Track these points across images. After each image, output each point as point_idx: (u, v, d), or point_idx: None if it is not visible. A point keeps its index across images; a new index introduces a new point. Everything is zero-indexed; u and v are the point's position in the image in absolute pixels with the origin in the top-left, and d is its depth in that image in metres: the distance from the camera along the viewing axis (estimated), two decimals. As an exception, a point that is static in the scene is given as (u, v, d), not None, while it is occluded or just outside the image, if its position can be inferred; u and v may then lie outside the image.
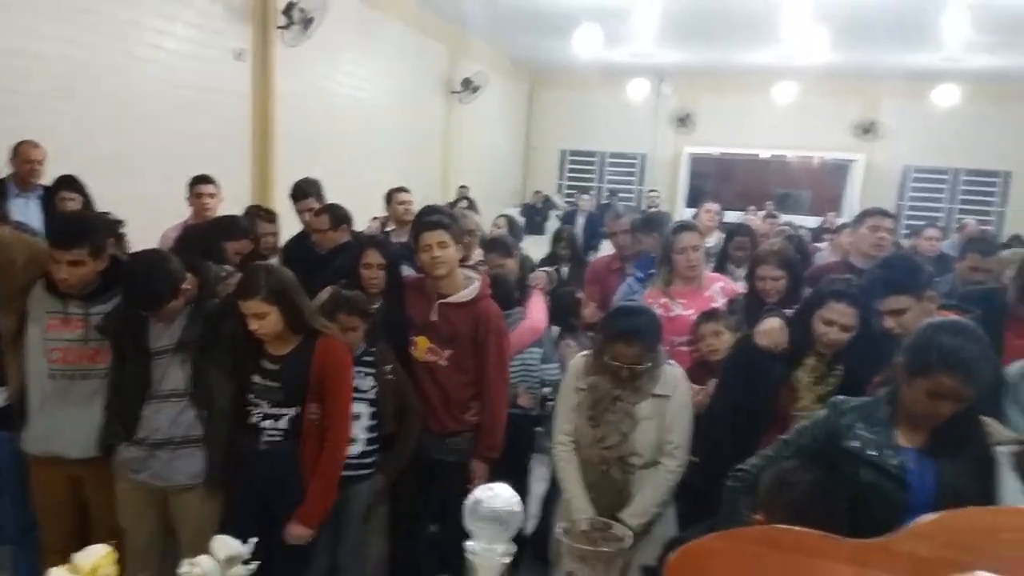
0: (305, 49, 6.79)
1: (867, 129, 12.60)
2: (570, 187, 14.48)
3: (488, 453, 2.84)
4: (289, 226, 4.37)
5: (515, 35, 10.69)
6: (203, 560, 1.02)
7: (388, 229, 4.81)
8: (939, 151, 12.33)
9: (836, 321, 2.34)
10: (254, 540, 1.10)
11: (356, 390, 2.64)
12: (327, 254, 3.78)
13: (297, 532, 2.35)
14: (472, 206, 8.31)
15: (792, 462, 1.89)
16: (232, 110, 6.33)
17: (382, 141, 8.71)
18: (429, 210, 3.54)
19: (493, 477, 3.01)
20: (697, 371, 3.05)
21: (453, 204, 8.43)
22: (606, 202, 12.55)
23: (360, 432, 2.67)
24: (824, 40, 7.91)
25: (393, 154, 8.84)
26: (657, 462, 2.43)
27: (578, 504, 2.42)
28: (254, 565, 1.07)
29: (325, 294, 2.82)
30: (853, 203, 12.53)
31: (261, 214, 4.05)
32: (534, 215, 12.53)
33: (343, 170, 7.61)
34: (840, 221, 9.53)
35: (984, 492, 1.72)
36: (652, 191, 11.87)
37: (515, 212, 12.07)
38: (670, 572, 0.82)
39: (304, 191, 4.29)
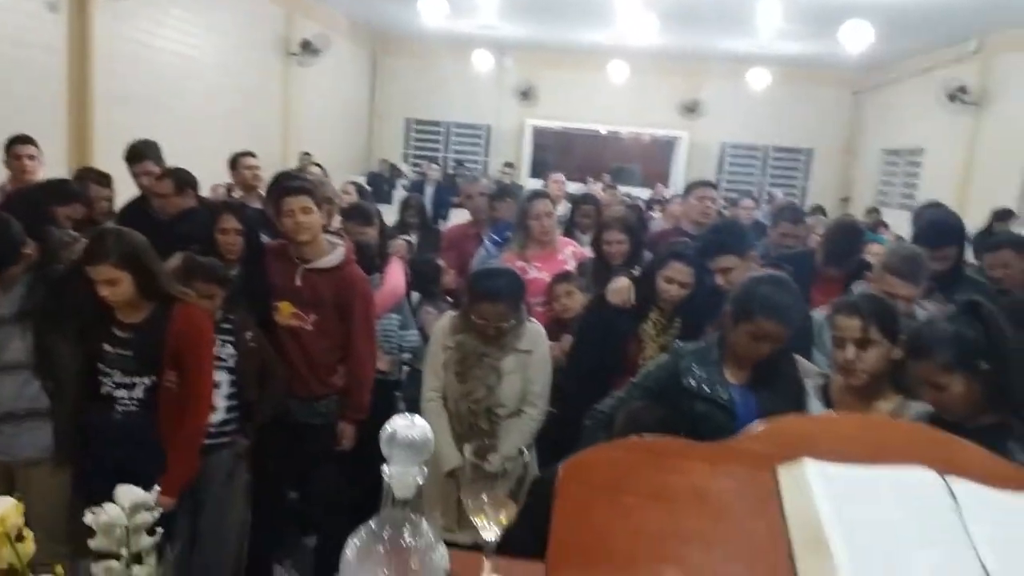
0: (128, 2, 6.27)
1: (691, 108, 13.56)
2: (416, 156, 14.40)
3: (355, 415, 2.89)
4: (121, 191, 4.09)
5: (357, -2, 10.44)
6: (109, 507, 1.03)
7: (235, 195, 4.62)
8: (752, 129, 13.53)
9: (676, 279, 2.61)
10: (158, 488, 1.12)
11: (216, 358, 2.59)
12: (170, 220, 3.59)
13: (159, 502, 2.29)
14: (324, 173, 8.05)
15: (641, 402, 2.12)
16: (44, 67, 5.73)
17: (217, 103, 8.22)
18: (287, 176, 3.48)
19: (364, 438, 3.07)
20: (552, 328, 3.26)
21: (299, 171, 8.15)
22: (453, 172, 12.65)
23: (220, 400, 2.63)
24: (653, 23, 8.41)
25: (229, 117, 8.38)
26: (521, 411, 2.60)
27: (448, 451, 2.54)
28: (158, 512, 1.09)
29: (176, 260, 2.72)
30: (679, 176, 13.49)
31: (93, 177, 3.76)
32: (381, 183, 12.33)
33: (174, 132, 7.06)
34: (669, 193, 10.28)
35: (797, 417, 2.04)
36: (507, 165, 12.08)
37: (362, 180, 11.87)
38: (565, 475, 0.96)
39: (141, 153, 4.02)
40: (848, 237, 3.26)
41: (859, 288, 2.78)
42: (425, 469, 0.99)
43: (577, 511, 0.94)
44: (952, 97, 9.46)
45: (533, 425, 2.60)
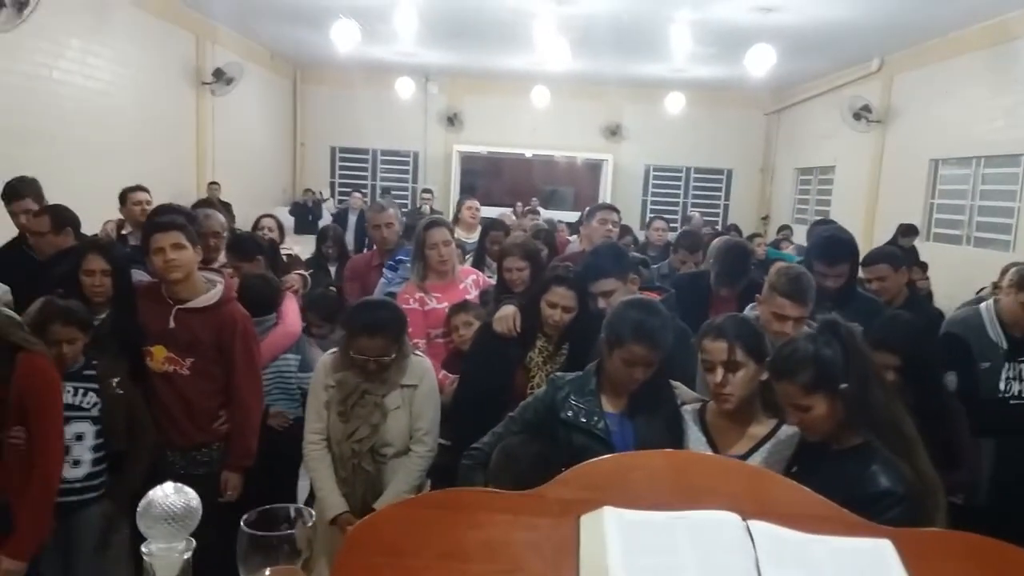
0: (20, 34, 5.99)
1: (613, 132, 13.83)
2: (343, 185, 14.22)
3: (240, 462, 2.75)
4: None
5: (270, 26, 10.26)
6: None
7: (125, 232, 4.42)
8: (673, 152, 13.87)
9: (559, 304, 2.57)
10: None
11: (77, 408, 2.44)
12: (48, 260, 3.39)
13: (6, 567, 2.12)
14: (217, 206, 7.71)
15: (517, 437, 2.06)
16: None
17: (123, 136, 7.93)
18: (162, 209, 3.32)
19: (257, 487, 2.91)
20: (453, 361, 3.19)
21: (200, 203, 7.87)
22: (379, 200, 12.51)
23: (85, 453, 2.47)
24: (566, 50, 8.53)
25: (137, 150, 8.08)
26: (408, 450, 2.51)
27: (331, 500, 2.43)
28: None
29: (38, 304, 2.55)
30: (607, 198, 13.67)
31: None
32: (305, 214, 12.14)
33: (76, 167, 6.83)
34: (594, 215, 10.37)
35: (674, 445, 2.00)
36: (425, 191, 12.01)
37: (284, 211, 11.62)
38: (349, 540, 0.88)
39: (18, 191, 3.81)
40: (737, 257, 3.29)
41: (751, 310, 2.79)
42: (193, 542, 0.91)
43: (356, 578, 0.87)
44: (857, 116, 9.87)
45: (422, 463, 2.51)
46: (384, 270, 3.78)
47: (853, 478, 1.67)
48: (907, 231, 7.70)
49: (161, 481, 2.46)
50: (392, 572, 0.87)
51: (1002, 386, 2.77)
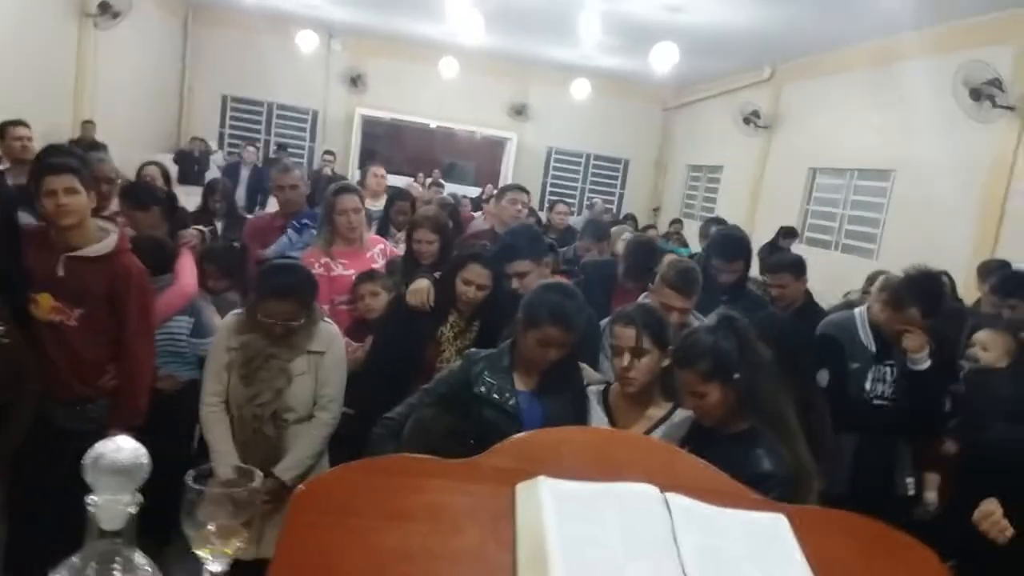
0: None
1: (519, 111, 13.93)
2: (234, 136, 13.55)
3: (127, 419, 2.62)
4: None
5: (168, -39, 9.62)
6: None
7: (2, 168, 4.08)
8: (575, 137, 14.15)
9: (473, 281, 2.63)
10: None
11: (-45, 356, 2.26)
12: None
13: None
14: (96, 146, 7.10)
15: (431, 409, 2.11)
16: None
17: (-4, 64, 7.25)
18: (53, 150, 3.09)
19: (146, 450, 2.79)
20: (356, 329, 3.19)
21: (76, 142, 7.30)
22: (274, 156, 12.03)
23: (-38, 404, 2.30)
24: (480, 23, 8.51)
25: (12, 81, 7.40)
26: (311, 416, 2.50)
27: (228, 462, 2.39)
28: None
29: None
30: (508, 177, 13.81)
31: None
32: (191, 163, 11.44)
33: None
34: (495, 193, 10.47)
35: (579, 422, 2.11)
36: (327, 153, 11.62)
37: (167, 158, 10.93)
38: (296, 500, 0.91)
39: None
40: (645, 254, 3.47)
41: (644, 298, 2.95)
42: (139, 497, 0.91)
43: (304, 536, 0.90)
44: (747, 120, 10.44)
45: (325, 430, 2.51)
46: (288, 230, 3.69)
47: (739, 460, 1.84)
48: (788, 233, 8.26)
49: (43, 436, 2.33)
50: (340, 531, 0.91)
51: (867, 386, 3.02)
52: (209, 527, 0.93)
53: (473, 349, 2.30)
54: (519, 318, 2.12)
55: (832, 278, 6.85)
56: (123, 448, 0.86)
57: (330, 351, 2.52)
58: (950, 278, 4.65)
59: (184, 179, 10.69)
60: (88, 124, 8.96)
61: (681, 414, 2.10)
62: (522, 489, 1.00)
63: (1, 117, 4.29)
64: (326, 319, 2.62)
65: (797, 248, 8.03)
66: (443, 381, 2.21)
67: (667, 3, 7.73)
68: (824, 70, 9.17)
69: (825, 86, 9.16)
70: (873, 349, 3.02)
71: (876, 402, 3.02)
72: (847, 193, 8.74)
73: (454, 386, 2.18)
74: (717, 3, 7.53)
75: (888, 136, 7.74)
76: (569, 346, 2.15)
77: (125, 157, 6.90)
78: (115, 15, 9.21)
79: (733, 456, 1.85)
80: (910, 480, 3.11)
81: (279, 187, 4.01)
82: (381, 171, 5.77)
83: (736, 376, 1.89)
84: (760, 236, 9.04)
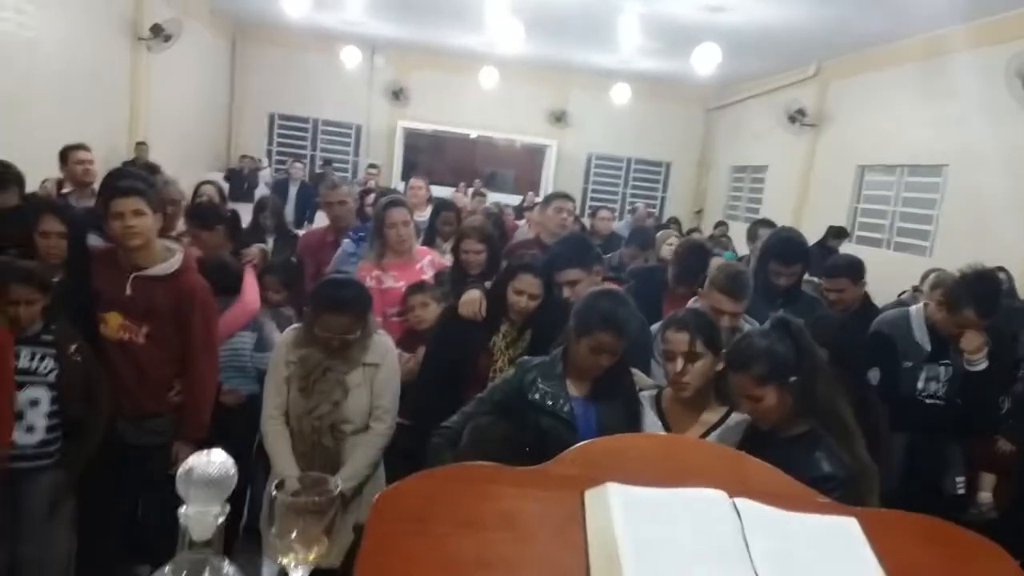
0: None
1: (559, 118, 13.95)
2: (281, 153, 13.86)
3: (193, 434, 2.72)
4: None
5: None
6: None
7: (66, 191, 4.26)
8: (616, 142, 14.11)
9: (525, 291, 2.65)
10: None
11: (32, 373, 2.39)
12: (-10, 220, 3.26)
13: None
14: (151, 168, 7.29)
15: (487, 417, 2.14)
16: None
17: (53, 90, 7.54)
18: (119, 173, 3.22)
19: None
20: (407, 340, 3.24)
21: (131, 163, 7.54)
22: (320, 171, 12.28)
23: (39, 419, 2.42)
24: (519, 32, 8.57)
25: (68, 105, 7.72)
26: (367, 427, 2.55)
27: (289, 473, 2.45)
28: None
29: (-8, 265, 2.47)
30: (549, 184, 13.83)
31: None
32: (240, 181, 11.75)
33: (1, 122, 6.49)
34: (537, 200, 10.51)
35: (633, 428, 2.13)
36: (371, 166, 11.81)
37: (218, 177, 11.23)
38: (375, 508, 0.95)
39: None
40: (696, 257, 3.45)
41: (694, 302, 2.94)
42: (227, 507, 0.95)
43: (385, 544, 0.93)
44: (792, 118, 10.27)
45: (380, 441, 2.56)
46: (346, 241, 3.77)
47: (798, 463, 1.81)
48: (838, 233, 8.10)
49: (110, 451, 2.43)
50: (418, 538, 0.94)
51: (920, 385, 2.99)
52: (292, 535, 0.97)
53: (526, 357, 2.32)
54: (571, 325, 2.14)
55: (884, 277, 6.67)
56: (213, 461, 0.90)
57: (384, 363, 2.57)
58: (1008, 275, 4.53)
59: (235, 196, 10.91)
60: (141, 145, 9.27)
61: (736, 418, 2.09)
62: (591, 495, 1.02)
63: (60, 141, 4.47)
64: (380, 331, 2.68)
65: (847, 248, 7.88)
66: (497, 389, 2.24)
67: (707, 3, 7.68)
68: (871, 66, 8.99)
69: (873, 82, 8.97)
70: (928, 348, 2.97)
71: (928, 401, 2.97)
72: (898, 190, 8.54)
73: (508, 394, 2.21)
74: (758, 2, 7.46)
75: (939, 131, 7.54)
76: (621, 352, 2.16)
77: (178, 177, 7.10)
78: (167, 38, 9.51)
79: (792, 459, 1.83)
80: (960, 480, 3.05)
81: (328, 203, 4.11)
82: (419, 183, 5.82)
83: (792, 379, 1.87)
84: (808, 236, 8.87)
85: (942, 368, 2.97)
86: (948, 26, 7.18)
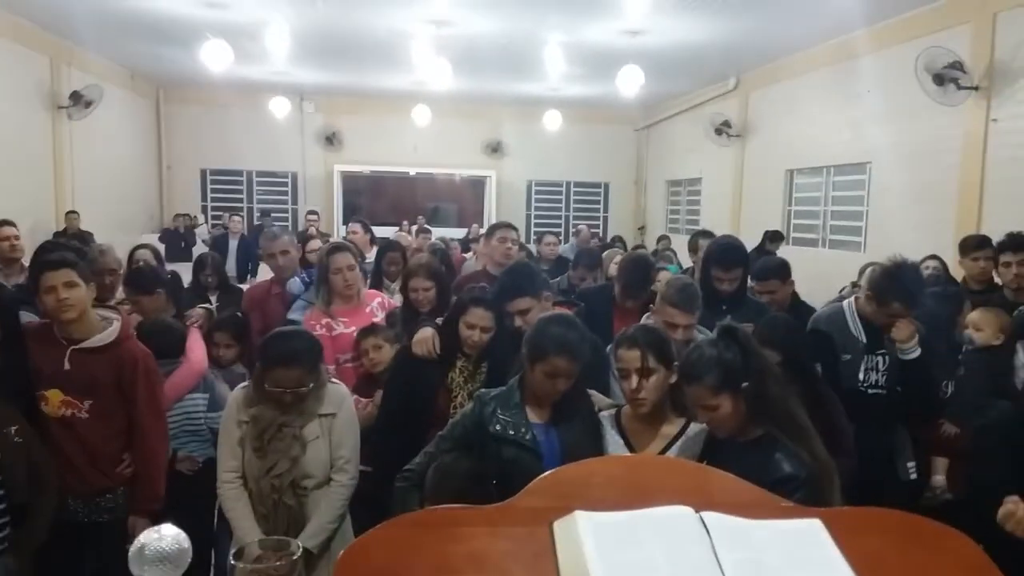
0: None
1: (495, 148, 14.11)
2: (217, 208, 13.62)
3: (147, 506, 2.62)
4: None
5: (130, 45, 9.74)
6: None
7: (-8, 270, 4.10)
8: (553, 167, 14.33)
9: (477, 324, 2.65)
10: None
11: (-30, 462, 2.26)
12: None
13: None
14: (83, 237, 7.12)
15: (450, 455, 2.12)
16: None
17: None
18: (49, 246, 3.13)
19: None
20: (364, 385, 3.19)
21: (62, 234, 7.35)
22: (259, 223, 12.10)
23: (-17, 508, 2.29)
24: (447, 69, 8.67)
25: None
26: (329, 479, 2.49)
27: (251, 538, 2.37)
28: None
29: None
30: (492, 215, 13.92)
31: None
32: (177, 240, 11.50)
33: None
34: (483, 232, 10.53)
35: (596, 448, 2.13)
36: (311, 213, 11.68)
37: (153, 238, 10.96)
38: (340, 565, 0.92)
39: None
40: (640, 270, 3.50)
41: (648, 319, 2.98)
42: (185, 582, 0.92)
43: (354, 601, 0.91)
44: (718, 131, 10.60)
45: (344, 493, 2.50)
46: (294, 282, 3.73)
47: (759, 466, 1.85)
48: (774, 237, 8.35)
49: (63, 531, 2.32)
50: (389, 590, 0.92)
51: (861, 376, 3.07)
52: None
53: (483, 390, 2.31)
54: (525, 353, 2.15)
55: (822, 275, 6.91)
56: (165, 535, 0.87)
57: (341, 412, 2.52)
58: (941, 261, 4.71)
59: (172, 256, 10.69)
60: (72, 215, 9.03)
61: (695, 428, 2.12)
62: (559, 526, 1.02)
63: (-3, 218, 4.32)
64: (333, 380, 2.63)
65: (782, 250, 8.13)
66: (457, 425, 2.23)
67: (626, 27, 7.90)
68: (788, 74, 9.36)
69: (791, 89, 9.34)
70: (864, 340, 3.06)
71: (871, 392, 3.05)
72: (827, 190, 8.85)
73: (469, 428, 2.19)
74: (674, 22, 7.70)
75: (860, 130, 7.87)
76: (576, 375, 2.17)
77: (112, 241, 6.91)
78: (87, 104, 9.32)
79: (752, 463, 1.87)
80: (911, 465, 3.13)
81: (270, 255, 4.05)
82: (356, 227, 5.80)
83: (744, 384, 1.91)
84: (747, 242, 9.10)
85: (879, 358, 3.05)
86: (857, 29, 7.54)
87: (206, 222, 13.11)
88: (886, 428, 3.06)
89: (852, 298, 3.23)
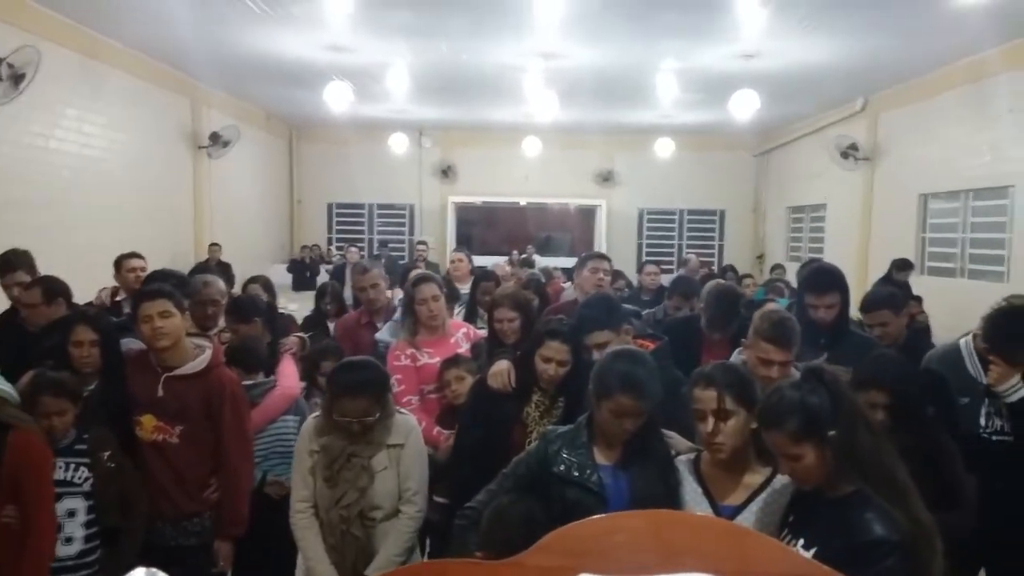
0: (17, 106, 6.14)
1: (606, 178, 14.03)
2: (340, 239, 14.35)
3: (231, 530, 2.69)
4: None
5: (264, 88, 10.51)
6: None
7: (120, 299, 4.43)
8: (665, 195, 14.04)
9: (553, 358, 2.54)
10: None
11: (68, 483, 2.41)
12: (40, 332, 3.39)
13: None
14: (214, 269, 7.60)
15: (508, 496, 2.03)
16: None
17: (121, 202, 8.04)
18: (153, 276, 3.33)
19: (252, 559, 2.85)
20: (447, 416, 3.16)
21: (203, 264, 7.91)
22: (377, 253, 12.59)
23: (77, 529, 2.43)
24: (555, 101, 8.73)
25: (134, 215, 8.19)
26: (397, 511, 2.46)
27: (320, 569, 2.38)
28: None
29: (27, 378, 2.54)
30: (602, 243, 13.80)
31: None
32: (303, 270, 12.22)
33: (74, 235, 6.92)
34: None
35: (669, 495, 1.97)
36: (420, 243, 12.05)
37: (282, 268, 11.65)
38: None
39: (11, 263, 3.84)
40: (726, 302, 3.29)
41: (738, 355, 2.77)
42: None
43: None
44: (845, 154, 10.00)
45: (412, 525, 2.46)
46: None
47: (848, 526, 1.65)
48: (903, 266, 7.71)
49: (151, 554, 2.40)
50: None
51: (983, 422, 2.70)
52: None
53: (550, 427, 2.21)
54: (591, 390, 2.04)
55: (960, 308, 6.27)
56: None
57: (409, 442, 2.49)
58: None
59: (298, 286, 11.35)
60: (214, 247, 9.77)
61: (782, 479, 1.92)
62: (561, 591, 0.92)
63: (128, 249, 4.69)
64: (401, 411, 2.61)
65: (916, 279, 7.50)
66: (521, 463, 2.13)
67: (741, 51, 7.64)
68: (920, 94, 8.72)
69: (923, 110, 8.69)
70: (984, 381, 2.69)
71: (995, 438, 2.67)
72: (965, 216, 8.13)
73: (532, 467, 2.10)
74: (791, 44, 7.37)
75: (1000, 151, 7.19)
76: (645, 414, 2.03)
77: (243, 272, 7.39)
78: (225, 144, 10.10)
79: (840, 522, 1.67)
80: None
81: (360, 288, 4.13)
82: (459, 255, 5.84)
83: (831, 433, 1.71)
84: (875, 270, 8.51)
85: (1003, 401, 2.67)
86: (991, 47, 6.96)
87: (331, 253, 13.83)
88: (1015, 479, 2.67)
89: (970, 335, 2.87)
